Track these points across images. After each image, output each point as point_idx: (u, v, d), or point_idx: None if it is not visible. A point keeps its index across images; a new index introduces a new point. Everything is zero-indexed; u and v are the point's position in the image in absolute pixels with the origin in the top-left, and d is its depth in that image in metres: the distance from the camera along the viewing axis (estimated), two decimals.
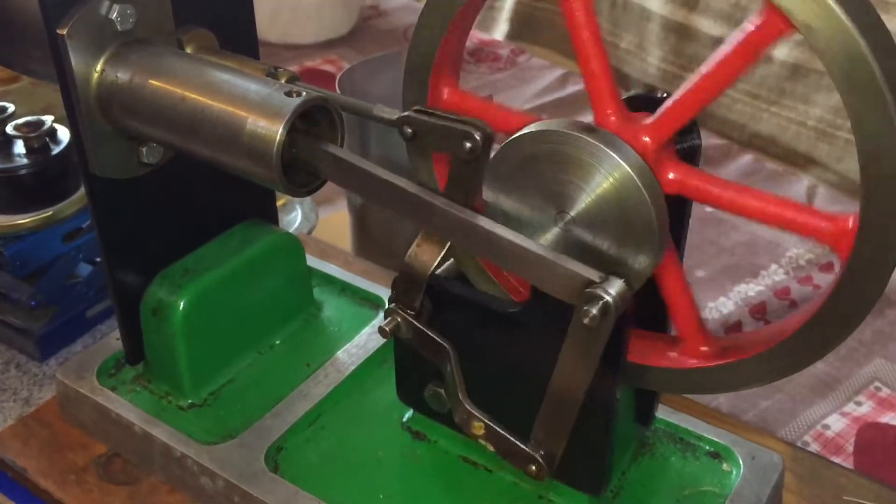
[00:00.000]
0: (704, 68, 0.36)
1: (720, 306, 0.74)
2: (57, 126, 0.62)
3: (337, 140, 0.43)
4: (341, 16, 1.19)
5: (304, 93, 0.41)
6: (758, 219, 0.38)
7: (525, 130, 0.38)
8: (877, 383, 0.66)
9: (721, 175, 0.99)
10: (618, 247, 0.38)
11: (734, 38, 0.35)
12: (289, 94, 0.40)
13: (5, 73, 0.85)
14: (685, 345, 0.43)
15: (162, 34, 0.47)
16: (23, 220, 0.59)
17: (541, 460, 0.43)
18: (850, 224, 0.35)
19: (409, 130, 0.41)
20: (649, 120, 0.38)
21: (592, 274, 0.37)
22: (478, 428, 0.45)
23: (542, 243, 0.39)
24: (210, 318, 0.53)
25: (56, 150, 0.61)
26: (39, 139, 0.60)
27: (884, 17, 1.00)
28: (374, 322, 0.59)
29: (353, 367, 0.55)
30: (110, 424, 0.53)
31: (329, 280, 0.63)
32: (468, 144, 0.39)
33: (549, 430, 0.43)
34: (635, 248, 0.37)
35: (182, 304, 0.51)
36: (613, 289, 0.37)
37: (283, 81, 0.45)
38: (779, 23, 0.33)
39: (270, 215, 0.59)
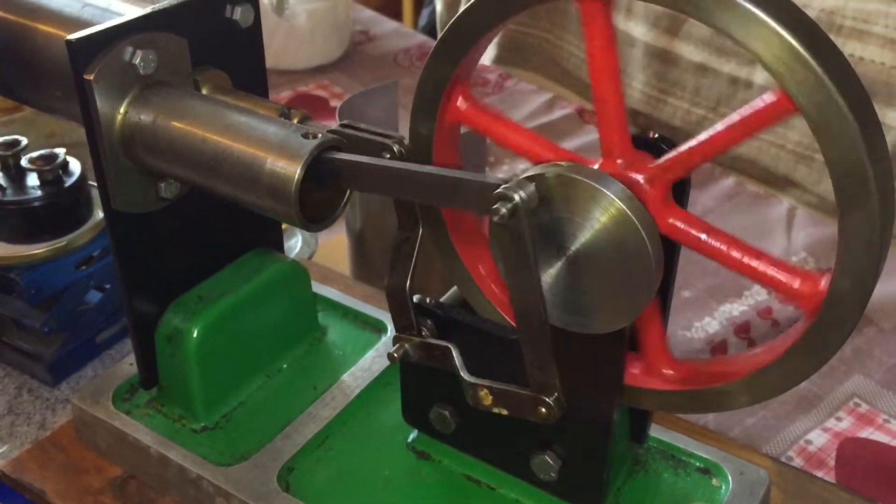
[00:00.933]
0: (712, 130, 0.39)
1: (706, 326, 0.77)
2: (69, 158, 0.64)
3: None
4: (333, 41, 1.22)
5: (320, 134, 0.43)
6: (737, 270, 0.41)
7: (529, 173, 0.40)
8: (856, 399, 0.69)
9: (705, 197, 1.02)
10: (616, 282, 0.40)
11: (745, 109, 0.38)
12: (305, 135, 0.43)
13: (9, 103, 0.87)
14: (650, 367, 0.46)
15: (180, 76, 0.49)
16: (38, 249, 0.62)
17: (548, 400, 0.44)
18: (822, 285, 0.39)
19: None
20: (653, 164, 0.41)
21: (501, 181, 0.39)
22: (486, 397, 0.47)
23: (547, 277, 0.42)
24: (222, 344, 0.55)
25: (69, 181, 0.63)
26: (53, 172, 0.62)
27: (857, 45, 1.02)
28: (377, 345, 0.62)
29: (358, 390, 0.58)
30: (126, 447, 0.55)
31: (332, 305, 0.65)
32: (387, 155, 0.43)
33: (536, 361, 0.44)
34: (633, 282, 0.40)
35: (196, 331, 0.54)
36: (523, 190, 0.39)
37: (296, 121, 0.48)
38: (787, 106, 0.36)
39: (276, 244, 0.62)
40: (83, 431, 0.57)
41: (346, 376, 0.59)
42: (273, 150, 0.43)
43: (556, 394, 0.44)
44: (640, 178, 0.41)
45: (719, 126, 0.39)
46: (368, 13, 1.37)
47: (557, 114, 1.11)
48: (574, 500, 0.49)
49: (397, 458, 0.54)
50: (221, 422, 0.56)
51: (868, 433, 0.65)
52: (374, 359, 0.60)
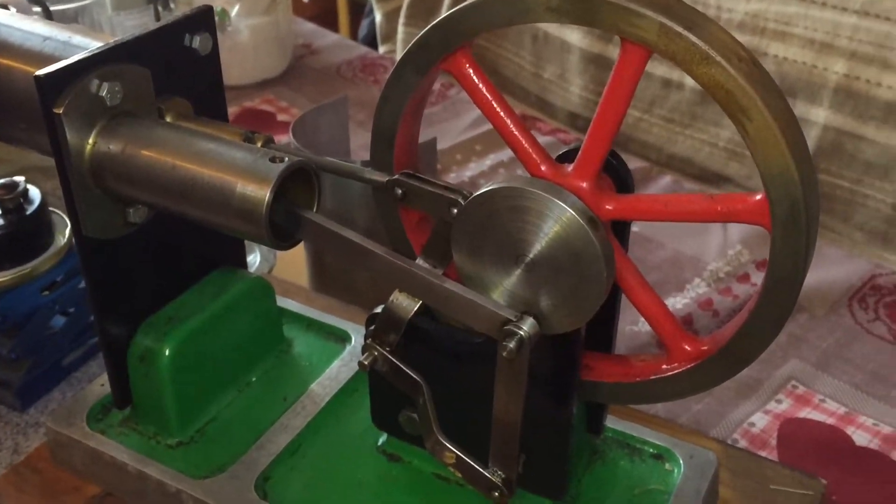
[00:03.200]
0: (597, 110, 0.42)
1: None
2: (29, 186, 0.65)
3: (314, 197, 0.48)
4: (276, 56, 1.23)
5: (287, 158, 0.45)
6: (688, 219, 0.44)
7: (482, 190, 0.43)
8: (794, 382, 0.73)
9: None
10: (573, 280, 0.44)
11: (610, 79, 0.41)
12: (273, 160, 0.45)
13: None
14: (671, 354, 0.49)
15: (144, 105, 0.51)
16: (2, 277, 0.62)
17: (502, 486, 0.49)
18: (759, 197, 0.41)
19: (400, 191, 0.46)
20: (571, 167, 0.45)
21: (509, 313, 0.44)
22: (448, 458, 0.50)
23: (506, 286, 0.45)
24: (193, 362, 0.57)
25: (30, 209, 0.64)
26: (14, 200, 0.63)
27: (780, 46, 1.08)
28: (342, 355, 0.64)
29: (327, 399, 0.60)
30: (104, 466, 0.56)
31: (295, 317, 0.67)
32: (454, 210, 0.45)
33: (500, 456, 0.48)
34: (587, 277, 0.43)
35: (168, 350, 0.55)
36: (526, 325, 0.44)
37: (259, 145, 0.50)
38: (638, 51, 0.40)
39: (240, 260, 0.64)
40: (59, 453, 0.58)
41: (314, 386, 0.61)
42: (242, 174, 0.45)
43: (512, 484, 0.49)
44: (569, 180, 0.44)
45: (599, 107, 0.42)
46: (310, 26, 1.39)
47: None
48: (539, 492, 0.52)
49: (369, 461, 0.56)
50: (196, 436, 0.58)
51: (806, 413, 0.70)
52: (340, 368, 0.62)
